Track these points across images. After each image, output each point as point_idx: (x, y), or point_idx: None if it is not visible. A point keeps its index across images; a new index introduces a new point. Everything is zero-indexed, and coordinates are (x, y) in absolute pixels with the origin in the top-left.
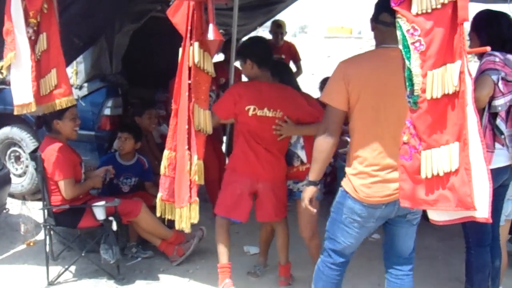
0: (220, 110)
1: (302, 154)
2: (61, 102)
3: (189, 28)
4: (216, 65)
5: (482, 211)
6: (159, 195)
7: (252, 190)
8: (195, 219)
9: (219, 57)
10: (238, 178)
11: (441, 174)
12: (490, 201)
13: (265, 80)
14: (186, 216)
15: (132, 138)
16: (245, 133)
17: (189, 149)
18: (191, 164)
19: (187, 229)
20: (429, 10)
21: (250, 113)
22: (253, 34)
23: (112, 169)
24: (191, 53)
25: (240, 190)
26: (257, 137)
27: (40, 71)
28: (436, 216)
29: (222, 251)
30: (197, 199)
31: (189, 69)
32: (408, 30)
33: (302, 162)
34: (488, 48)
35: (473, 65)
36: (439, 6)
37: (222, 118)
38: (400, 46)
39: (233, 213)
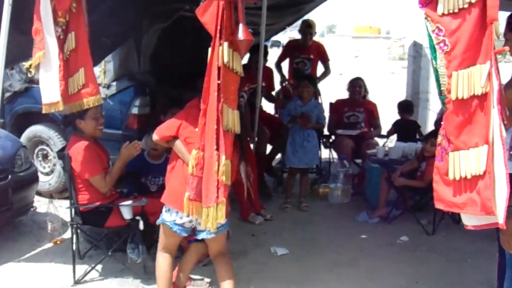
0: None
1: None
2: (88, 101)
3: (218, 27)
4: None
5: (500, 216)
6: (186, 194)
7: None
8: (222, 219)
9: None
10: None
11: (468, 176)
12: (506, 206)
13: None
14: (212, 216)
15: None
16: None
17: (217, 149)
18: (219, 165)
19: (213, 229)
20: (456, 10)
21: None
22: (281, 34)
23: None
24: (220, 53)
25: None
26: None
27: (68, 70)
28: (467, 220)
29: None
30: (224, 199)
31: (218, 69)
32: (433, 31)
33: None
34: (507, 48)
35: (503, 66)
36: (466, 6)
37: None
38: (428, 47)
39: None
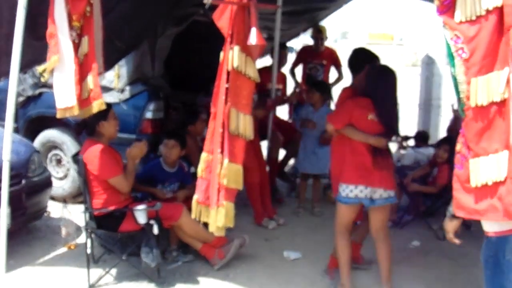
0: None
1: None
2: (94, 106)
3: (230, 32)
4: (263, 70)
5: None
6: (195, 197)
7: None
8: (221, 222)
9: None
10: None
11: (489, 183)
12: None
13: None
14: (213, 219)
15: (178, 145)
16: None
17: (221, 152)
18: (221, 168)
19: (216, 233)
20: (474, 18)
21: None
22: (296, 40)
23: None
24: (230, 57)
25: None
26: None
27: (82, 75)
28: (488, 226)
29: None
30: (224, 203)
31: (228, 73)
32: (451, 38)
33: None
34: None
35: None
36: (483, 13)
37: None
38: (443, 54)
39: None
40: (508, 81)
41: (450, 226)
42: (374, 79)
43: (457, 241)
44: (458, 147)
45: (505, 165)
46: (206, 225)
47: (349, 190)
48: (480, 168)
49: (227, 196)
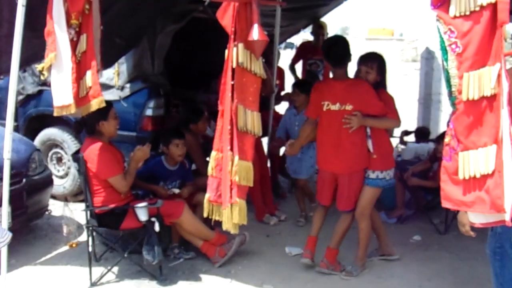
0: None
1: (369, 143)
2: (94, 104)
3: (233, 29)
4: None
5: (507, 214)
6: (206, 195)
7: (332, 180)
8: (236, 219)
9: None
10: (321, 170)
11: (477, 176)
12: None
13: (339, 78)
14: (228, 217)
15: (184, 144)
16: (321, 127)
17: (231, 149)
18: (232, 165)
19: (232, 230)
20: (467, 13)
21: (325, 108)
22: (296, 36)
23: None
24: (234, 54)
25: (322, 179)
26: (330, 130)
27: (80, 73)
28: (474, 218)
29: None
30: (238, 200)
31: (233, 70)
32: (445, 32)
33: (369, 151)
34: None
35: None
36: (477, 9)
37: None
38: (439, 48)
39: (319, 197)
40: (499, 77)
41: (466, 218)
42: (384, 69)
43: (473, 233)
44: (447, 139)
45: (493, 158)
46: (208, 222)
47: (386, 174)
48: (470, 161)
49: (239, 193)
